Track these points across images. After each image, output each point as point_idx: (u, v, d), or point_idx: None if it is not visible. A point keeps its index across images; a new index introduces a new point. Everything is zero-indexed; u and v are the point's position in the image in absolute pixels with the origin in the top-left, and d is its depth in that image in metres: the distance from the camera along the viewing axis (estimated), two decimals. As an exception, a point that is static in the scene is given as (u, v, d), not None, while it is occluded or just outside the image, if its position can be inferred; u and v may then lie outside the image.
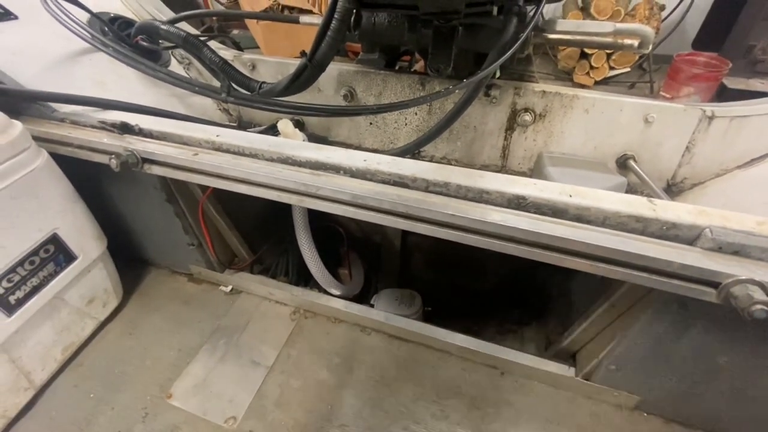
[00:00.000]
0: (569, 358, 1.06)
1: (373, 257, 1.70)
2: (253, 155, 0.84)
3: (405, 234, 1.59)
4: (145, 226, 1.21)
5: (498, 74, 1.20)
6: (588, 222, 0.66)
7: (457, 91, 0.94)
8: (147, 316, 1.19)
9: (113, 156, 0.85)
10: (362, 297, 1.55)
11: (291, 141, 0.86)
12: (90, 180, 1.08)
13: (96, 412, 0.97)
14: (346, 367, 1.05)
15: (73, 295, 1.03)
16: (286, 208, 1.18)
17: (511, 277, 1.59)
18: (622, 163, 1.17)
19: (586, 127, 1.16)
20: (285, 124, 0.98)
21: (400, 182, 0.75)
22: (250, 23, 2.99)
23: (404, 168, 0.75)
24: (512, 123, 1.22)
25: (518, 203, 0.69)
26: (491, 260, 1.58)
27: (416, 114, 1.31)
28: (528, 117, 1.16)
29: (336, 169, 0.79)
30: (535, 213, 0.68)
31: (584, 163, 1.16)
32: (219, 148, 0.87)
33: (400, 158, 0.78)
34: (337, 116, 1.39)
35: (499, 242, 0.69)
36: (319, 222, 1.43)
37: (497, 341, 1.11)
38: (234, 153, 0.86)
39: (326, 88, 1.36)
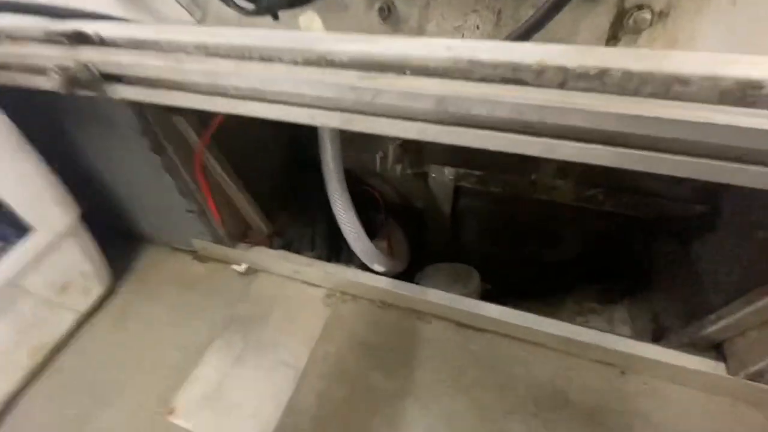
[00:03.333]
0: (710, 349, 0.77)
1: (414, 226, 1.41)
2: (268, 58, 0.54)
3: (456, 196, 1.29)
4: (130, 188, 0.95)
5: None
6: None
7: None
8: (142, 306, 0.98)
9: (55, 71, 0.56)
10: (404, 274, 1.27)
11: (326, 34, 0.55)
12: (52, 129, 0.80)
13: (75, 435, 0.73)
14: (406, 368, 0.79)
15: (36, 280, 0.78)
16: (311, 161, 0.89)
17: (592, 245, 1.29)
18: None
19: (732, 29, 0.82)
20: (311, 19, 0.67)
21: (512, 78, 0.45)
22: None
23: (519, 54, 0.45)
24: (617, 29, 0.88)
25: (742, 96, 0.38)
26: (567, 225, 1.27)
27: (478, 28, 0.98)
28: (646, 15, 0.83)
29: (400, 68, 0.49)
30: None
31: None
32: (216, 53, 0.57)
33: (509, 42, 0.48)
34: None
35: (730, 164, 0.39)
36: (350, 186, 1.14)
37: (578, 324, 0.84)
38: (238, 58, 0.56)
39: (354, 3, 1.04)
